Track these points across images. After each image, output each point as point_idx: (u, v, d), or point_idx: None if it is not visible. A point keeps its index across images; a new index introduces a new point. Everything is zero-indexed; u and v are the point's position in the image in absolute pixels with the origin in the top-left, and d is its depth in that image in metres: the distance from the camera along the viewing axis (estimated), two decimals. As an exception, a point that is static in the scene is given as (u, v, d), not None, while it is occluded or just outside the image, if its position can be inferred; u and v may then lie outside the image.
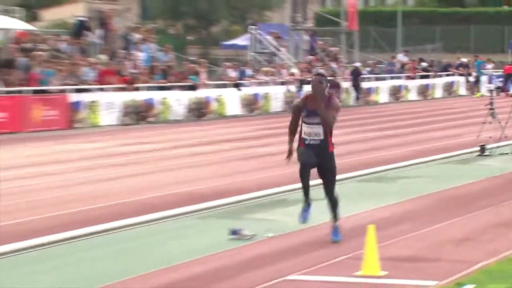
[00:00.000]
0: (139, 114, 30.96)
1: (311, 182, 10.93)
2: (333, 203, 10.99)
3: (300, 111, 10.75)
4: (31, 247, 10.73)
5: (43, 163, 19.24)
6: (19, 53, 29.31)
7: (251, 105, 36.45)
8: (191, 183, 16.14)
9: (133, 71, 32.34)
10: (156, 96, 31.95)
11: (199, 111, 33.39)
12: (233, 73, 37.60)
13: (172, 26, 62.72)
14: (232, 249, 10.63)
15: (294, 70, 40.21)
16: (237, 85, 36.60)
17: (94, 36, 33.66)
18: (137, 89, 31.52)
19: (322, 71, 11.62)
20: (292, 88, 38.77)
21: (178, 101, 32.55)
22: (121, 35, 35.26)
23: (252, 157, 20.71)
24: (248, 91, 36.58)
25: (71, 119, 28.54)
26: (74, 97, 28.87)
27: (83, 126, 28.60)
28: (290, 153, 10.81)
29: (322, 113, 10.53)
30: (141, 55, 33.91)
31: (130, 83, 31.35)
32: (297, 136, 10.88)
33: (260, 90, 37.41)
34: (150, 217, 12.64)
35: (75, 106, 28.76)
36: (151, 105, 31.53)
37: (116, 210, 13.22)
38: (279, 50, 42.83)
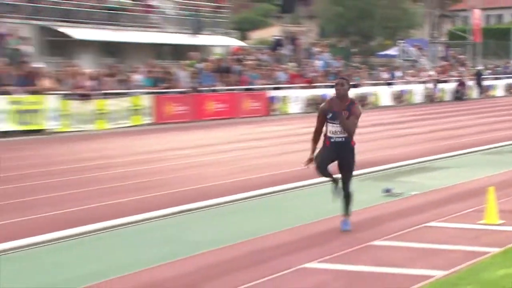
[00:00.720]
0: (318, 105, 30.83)
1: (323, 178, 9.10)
2: (347, 198, 8.75)
3: (325, 114, 8.78)
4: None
5: (250, 140, 19.48)
6: (234, 62, 29.85)
7: (399, 98, 35.74)
8: (359, 154, 15.88)
9: (313, 74, 32.30)
10: (329, 92, 31.75)
11: (360, 103, 32.97)
12: (386, 75, 37.06)
13: (341, 42, 62.22)
14: (385, 203, 10.40)
15: (431, 73, 39.26)
16: (389, 84, 35.98)
17: (286, 50, 33.86)
18: (315, 87, 31.43)
19: (345, 75, 9.81)
20: (429, 85, 37.80)
21: (345, 95, 32.25)
22: (305, 48, 35.38)
23: (400, 135, 20.23)
24: (397, 88, 36.01)
25: (269, 109, 28.78)
26: (271, 93, 29.09)
27: (277, 114, 28.81)
28: (310, 161, 8.82)
29: (342, 122, 8.64)
30: (318, 63, 33.84)
31: (311, 83, 31.32)
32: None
33: (406, 87, 36.66)
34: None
35: (272, 99, 28.99)
36: (326, 98, 31.36)
37: (297, 174, 13.15)
38: (420, 58, 41.89)
